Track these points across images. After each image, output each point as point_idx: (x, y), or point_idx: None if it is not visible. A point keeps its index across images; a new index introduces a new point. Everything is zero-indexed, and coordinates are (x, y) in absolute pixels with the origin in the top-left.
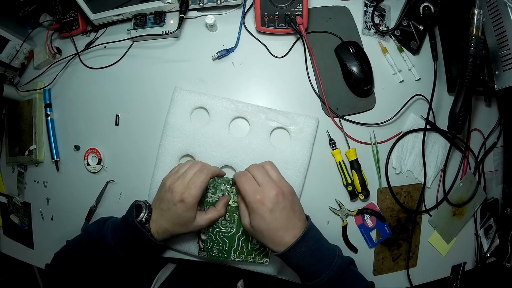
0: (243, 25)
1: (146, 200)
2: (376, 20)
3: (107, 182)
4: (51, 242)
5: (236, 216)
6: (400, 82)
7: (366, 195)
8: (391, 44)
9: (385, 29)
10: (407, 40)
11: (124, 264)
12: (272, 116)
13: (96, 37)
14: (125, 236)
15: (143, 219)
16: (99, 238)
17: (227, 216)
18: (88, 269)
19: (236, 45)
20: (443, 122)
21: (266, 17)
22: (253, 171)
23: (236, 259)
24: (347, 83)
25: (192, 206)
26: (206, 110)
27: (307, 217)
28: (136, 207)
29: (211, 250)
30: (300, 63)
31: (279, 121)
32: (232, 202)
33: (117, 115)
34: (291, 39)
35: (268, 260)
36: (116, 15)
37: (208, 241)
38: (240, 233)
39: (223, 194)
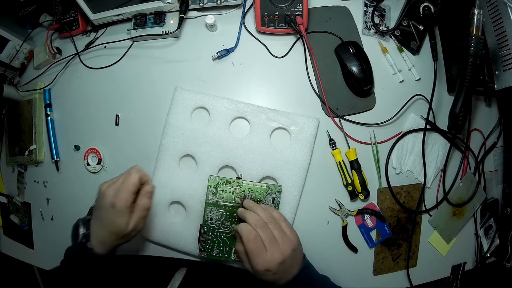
0: (243, 25)
1: (85, 217)
2: (376, 20)
3: None
4: (51, 242)
5: (236, 216)
6: (400, 82)
7: (366, 195)
8: (391, 44)
9: (385, 29)
10: (407, 40)
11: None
12: (273, 117)
13: (96, 37)
14: (73, 260)
15: (83, 239)
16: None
17: (227, 216)
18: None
19: (236, 45)
20: (443, 122)
21: (266, 17)
22: (262, 233)
23: (236, 259)
24: (347, 83)
25: (122, 211)
26: (207, 110)
27: (303, 255)
28: (77, 228)
29: (212, 250)
30: (300, 63)
31: (279, 121)
32: (232, 203)
33: (117, 115)
34: (291, 39)
35: None
36: (116, 15)
37: (209, 241)
38: None
39: (224, 195)
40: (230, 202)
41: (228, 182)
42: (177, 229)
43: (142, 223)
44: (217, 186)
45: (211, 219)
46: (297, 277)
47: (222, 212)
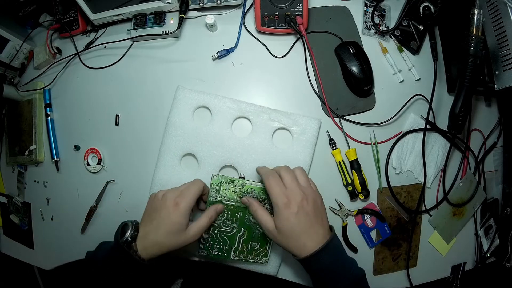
0: (243, 25)
1: (135, 220)
2: (376, 20)
3: (107, 182)
4: (51, 242)
5: (238, 216)
6: (400, 82)
7: (366, 195)
8: (391, 44)
9: (385, 29)
10: (407, 40)
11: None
12: (275, 117)
13: (96, 37)
14: (113, 258)
15: (129, 238)
16: (92, 261)
17: (229, 215)
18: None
19: (236, 45)
20: (443, 122)
21: (266, 17)
22: (283, 173)
23: (236, 258)
24: (347, 83)
25: (185, 212)
26: (209, 110)
27: (331, 227)
28: (124, 227)
29: (211, 249)
30: (300, 63)
31: (281, 121)
32: (235, 202)
33: (117, 115)
34: (291, 39)
35: (267, 259)
36: (116, 15)
37: (209, 240)
38: (241, 233)
39: (227, 195)
40: (232, 202)
41: (231, 181)
42: None
43: (199, 234)
44: (220, 185)
45: None
46: (325, 249)
47: (224, 211)
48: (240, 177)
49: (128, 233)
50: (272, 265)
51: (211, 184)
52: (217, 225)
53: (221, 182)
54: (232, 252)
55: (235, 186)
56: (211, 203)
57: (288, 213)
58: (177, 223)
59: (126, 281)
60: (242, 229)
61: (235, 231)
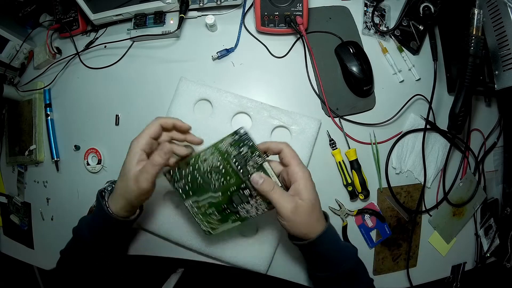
0: (243, 25)
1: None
2: (376, 20)
3: (107, 182)
4: (51, 242)
5: (228, 180)
6: (400, 82)
7: (366, 195)
8: (391, 44)
9: (385, 29)
10: (407, 40)
11: (96, 252)
12: (275, 114)
13: (96, 37)
14: (93, 215)
15: (104, 190)
16: (75, 230)
17: (221, 171)
18: (82, 271)
19: (236, 45)
20: (443, 122)
21: (266, 17)
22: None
23: (188, 207)
24: (347, 83)
25: (133, 151)
26: (210, 103)
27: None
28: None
29: (178, 181)
30: (300, 63)
31: (281, 119)
32: (237, 167)
33: (117, 115)
34: (291, 39)
35: (209, 233)
36: (116, 15)
37: (182, 171)
38: (215, 195)
39: (238, 155)
40: (236, 165)
41: (253, 150)
42: (173, 219)
43: (148, 180)
44: (239, 143)
45: (204, 160)
46: (326, 233)
47: (221, 166)
48: (264, 153)
49: (106, 185)
50: (262, 263)
51: (233, 134)
52: (201, 168)
53: (244, 142)
54: (191, 200)
55: (252, 156)
56: (217, 149)
57: (312, 184)
58: (127, 164)
59: (105, 241)
60: (219, 194)
61: (211, 188)
